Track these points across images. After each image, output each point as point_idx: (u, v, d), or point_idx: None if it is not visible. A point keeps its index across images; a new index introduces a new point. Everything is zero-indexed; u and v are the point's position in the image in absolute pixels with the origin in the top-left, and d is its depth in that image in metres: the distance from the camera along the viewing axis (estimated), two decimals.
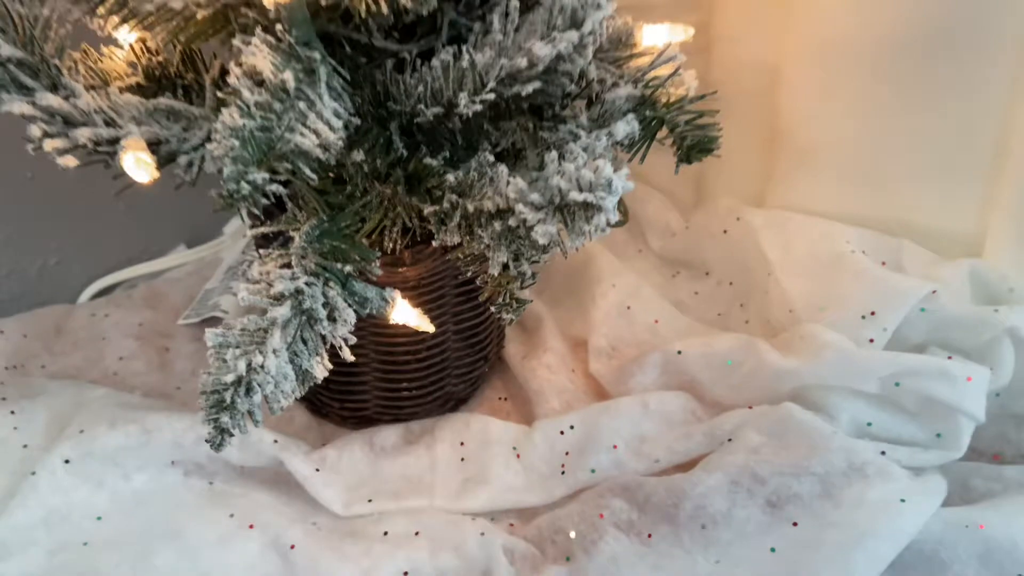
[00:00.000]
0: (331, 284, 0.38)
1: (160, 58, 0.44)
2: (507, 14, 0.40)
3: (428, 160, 0.41)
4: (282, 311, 0.35)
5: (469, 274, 0.44)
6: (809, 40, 0.58)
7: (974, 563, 0.43)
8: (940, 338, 0.51)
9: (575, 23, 0.38)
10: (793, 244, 0.58)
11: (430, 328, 0.43)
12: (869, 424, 0.49)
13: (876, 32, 0.55)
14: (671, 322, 0.61)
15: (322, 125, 0.36)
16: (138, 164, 0.35)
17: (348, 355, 0.38)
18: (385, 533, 0.46)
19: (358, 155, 0.41)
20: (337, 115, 0.37)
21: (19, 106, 0.35)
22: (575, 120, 0.41)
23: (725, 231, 0.64)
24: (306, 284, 0.37)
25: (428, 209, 0.42)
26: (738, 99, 0.63)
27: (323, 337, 0.38)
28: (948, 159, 0.56)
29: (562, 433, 0.51)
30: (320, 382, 0.39)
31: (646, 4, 0.54)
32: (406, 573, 0.44)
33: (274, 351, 0.35)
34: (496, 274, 0.41)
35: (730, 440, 0.48)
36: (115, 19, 0.40)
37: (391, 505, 0.48)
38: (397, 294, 0.41)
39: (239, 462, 0.49)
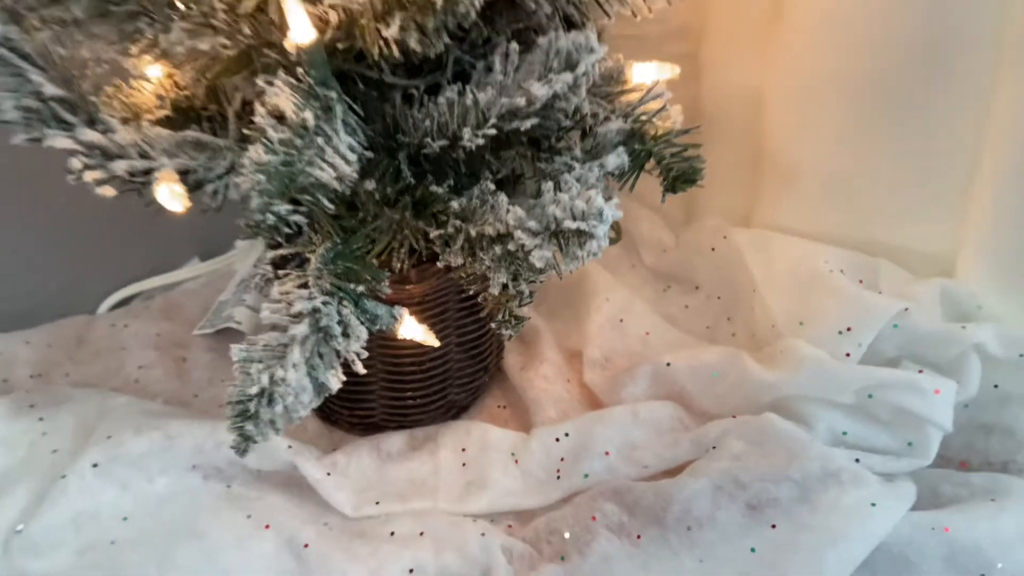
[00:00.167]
0: (345, 303, 0.41)
1: (186, 92, 0.47)
2: (507, 55, 0.43)
3: (434, 188, 0.45)
4: (301, 329, 0.38)
5: (471, 292, 0.47)
6: (791, 71, 0.61)
7: (939, 564, 0.45)
8: (912, 353, 0.54)
9: (570, 65, 0.41)
10: (776, 262, 0.61)
11: (435, 342, 0.46)
12: (844, 433, 0.52)
13: (854, 65, 0.57)
14: (662, 334, 0.64)
15: (338, 159, 0.39)
16: (172, 195, 0.38)
17: (360, 368, 0.41)
18: (392, 533, 0.49)
19: (370, 183, 0.44)
20: (352, 149, 0.40)
21: (61, 141, 0.38)
22: (569, 152, 0.45)
23: (713, 248, 0.66)
24: (322, 303, 0.40)
25: (434, 233, 0.45)
26: (725, 124, 0.66)
27: (337, 352, 0.40)
28: (922, 185, 0.59)
29: (557, 440, 0.54)
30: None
31: (638, 34, 0.57)
32: (411, 571, 0.47)
33: (294, 365, 0.38)
34: (496, 293, 0.44)
35: (714, 447, 0.51)
36: (148, 58, 0.44)
37: (397, 507, 0.51)
38: (405, 311, 0.44)
39: (256, 466, 0.52)
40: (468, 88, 0.42)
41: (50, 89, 0.38)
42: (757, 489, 0.47)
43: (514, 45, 0.43)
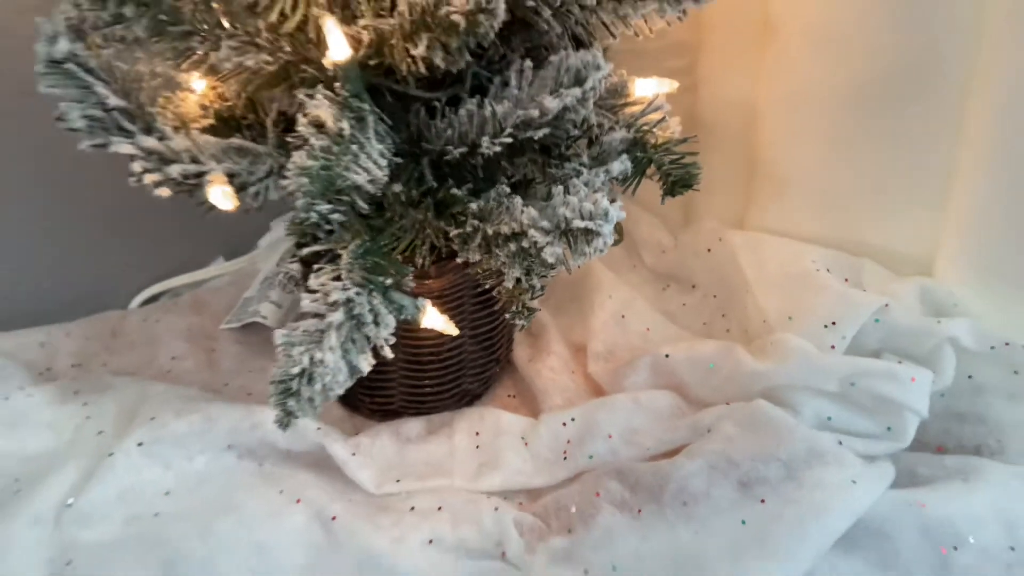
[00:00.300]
0: (374, 294, 0.45)
1: (228, 103, 0.51)
2: (522, 71, 0.47)
3: (454, 191, 0.49)
4: (337, 316, 0.42)
5: (487, 286, 0.51)
6: (782, 85, 0.65)
7: (915, 537, 0.49)
8: (892, 345, 0.57)
9: (579, 80, 0.45)
10: (767, 262, 0.65)
11: (454, 331, 0.50)
12: (829, 418, 0.55)
13: (839, 80, 0.61)
14: (661, 330, 0.68)
15: (371, 164, 0.43)
16: (223, 196, 0.42)
17: (388, 353, 0.45)
18: (412, 508, 0.53)
19: (396, 186, 0.48)
20: (382, 155, 0.44)
21: (124, 147, 0.42)
22: (578, 159, 0.49)
23: (709, 250, 0.70)
24: (355, 294, 0.44)
25: (454, 231, 0.49)
26: (721, 134, 0.70)
27: (368, 338, 0.44)
28: (904, 190, 0.62)
29: (564, 425, 0.57)
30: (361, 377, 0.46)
31: (638, 49, 0.61)
32: (431, 542, 0.51)
33: (331, 348, 0.42)
34: (511, 287, 0.48)
35: (709, 431, 0.55)
36: (196, 73, 0.48)
37: (416, 485, 0.55)
38: (427, 302, 0.48)
39: (286, 446, 0.56)
40: (486, 101, 0.46)
41: (113, 100, 0.42)
42: (748, 468, 0.51)
43: (528, 62, 0.47)
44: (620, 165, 0.47)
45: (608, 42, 0.51)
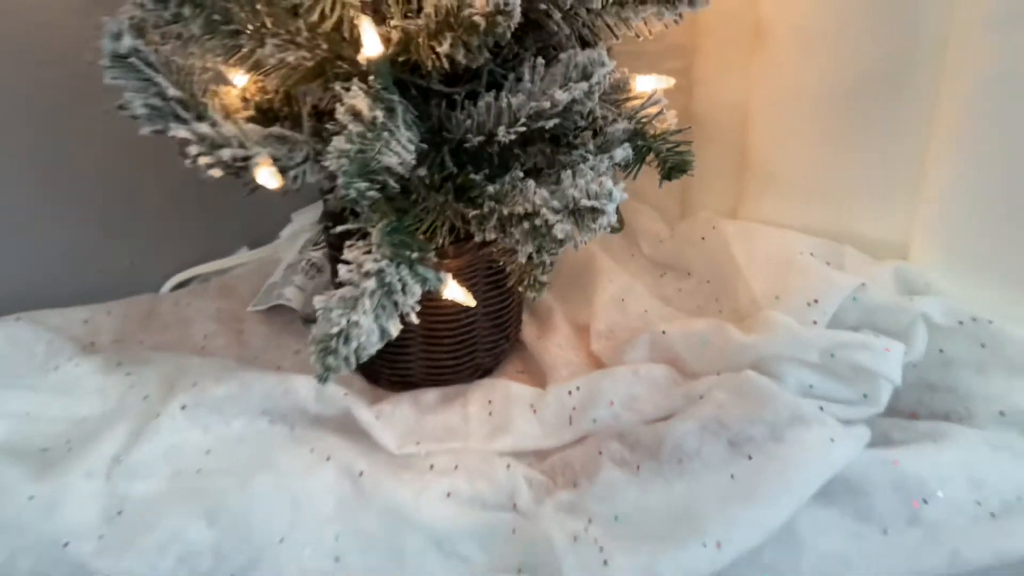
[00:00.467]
0: (401, 266, 0.50)
1: (268, 96, 0.56)
2: (535, 68, 0.52)
3: (472, 175, 0.53)
4: (370, 284, 0.47)
5: (501, 263, 0.56)
6: (771, 87, 0.70)
7: (888, 491, 0.53)
8: (869, 321, 0.62)
9: (585, 76, 0.50)
10: (757, 249, 0.69)
11: (472, 302, 0.54)
12: (811, 386, 0.59)
13: (823, 82, 0.66)
14: (658, 312, 0.72)
15: (400, 149, 0.48)
16: (271, 176, 0.47)
17: (414, 319, 0.49)
18: (431, 466, 0.57)
19: (421, 171, 0.53)
20: (410, 141, 0.49)
21: (181, 132, 0.47)
22: (584, 147, 0.53)
23: (703, 238, 0.74)
24: (386, 265, 0.48)
25: (472, 213, 0.53)
26: (714, 131, 0.75)
27: (396, 304, 0.49)
28: (881, 183, 0.67)
29: (570, 393, 0.62)
30: (387, 343, 0.51)
31: (637, 51, 0.65)
32: (449, 495, 0.55)
33: (364, 312, 0.46)
34: (524, 261, 0.53)
35: (702, 398, 0.59)
36: (240, 68, 0.53)
37: (435, 446, 0.59)
38: (448, 275, 0.53)
39: (316, 412, 0.60)
40: (503, 93, 0.51)
41: (171, 91, 0.47)
42: (737, 429, 0.55)
43: (540, 60, 0.52)
44: (622, 152, 0.52)
45: (611, 42, 0.56)
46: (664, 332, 0.66)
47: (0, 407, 0.59)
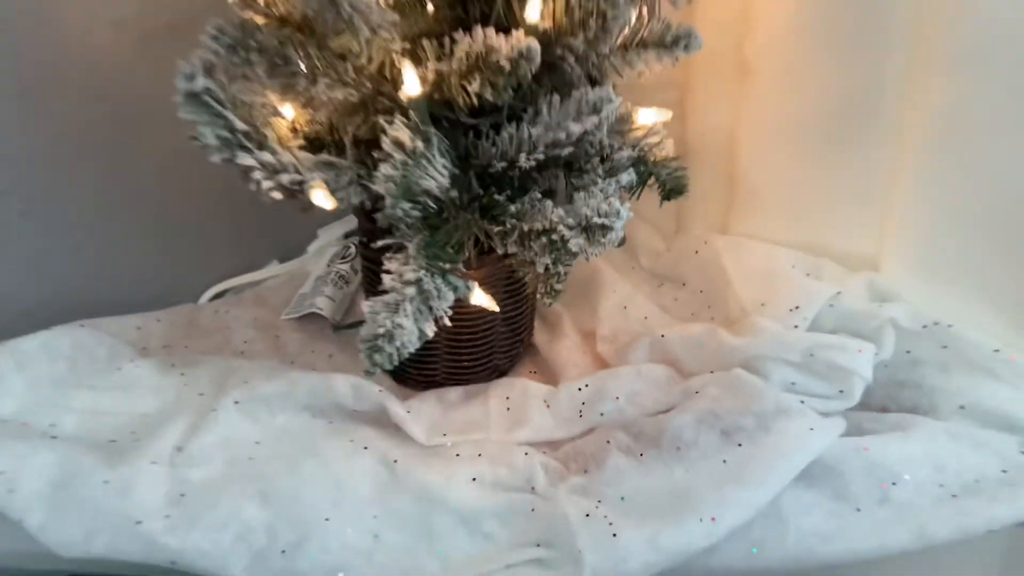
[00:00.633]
0: (435, 276, 0.57)
1: (316, 127, 0.62)
2: (551, 103, 0.58)
3: (496, 196, 0.59)
4: (411, 291, 0.53)
5: (520, 274, 0.62)
6: (756, 115, 0.76)
7: (861, 475, 0.58)
8: (843, 325, 0.67)
9: (596, 111, 0.56)
10: (744, 262, 0.75)
11: (495, 308, 0.61)
12: (793, 383, 0.64)
13: (802, 112, 0.72)
14: (657, 318, 0.78)
15: (437, 174, 0.54)
16: (325, 198, 0.53)
17: (447, 322, 0.56)
18: (457, 455, 0.63)
19: (452, 193, 0.59)
20: (444, 167, 0.55)
21: (247, 160, 0.53)
22: (594, 171, 0.60)
23: (697, 252, 0.80)
24: (423, 275, 0.55)
25: (495, 229, 0.59)
26: (706, 155, 0.81)
27: (431, 308, 0.55)
28: (854, 203, 0.73)
29: (580, 390, 0.67)
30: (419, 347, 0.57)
31: (634, 84, 0.71)
32: (474, 479, 0.60)
33: (406, 315, 0.53)
34: (541, 272, 0.59)
35: (697, 393, 0.65)
36: (295, 103, 0.59)
37: (460, 438, 0.64)
38: (476, 284, 0.59)
39: (353, 407, 0.66)
40: (523, 126, 0.58)
41: (238, 124, 0.54)
42: (729, 421, 0.61)
43: (555, 96, 0.58)
44: (627, 176, 0.59)
45: (616, 79, 0.63)
46: (663, 336, 0.72)
47: (70, 404, 0.65)
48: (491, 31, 0.53)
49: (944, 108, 0.65)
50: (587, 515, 0.56)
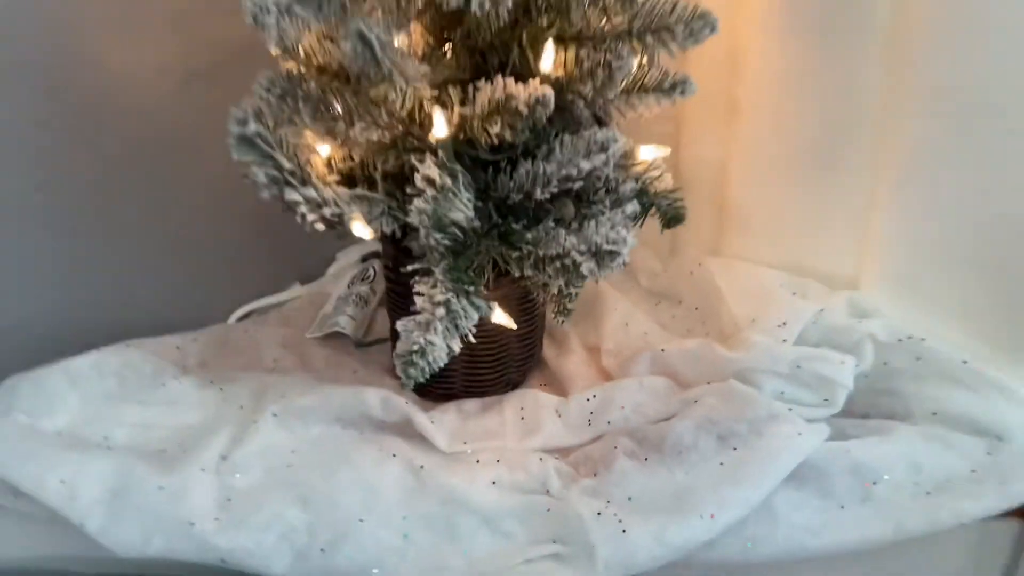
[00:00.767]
0: (460, 297, 0.62)
1: (350, 164, 0.68)
2: (563, 142, 0.64)
3: (514, 225, 0.65)
4: (440, 311, 0.59)
5: (535, 295, 0.68)
6: (745, 147, 0.81)
7: (845, 474, 0.62)
8: (827, 339, 0.72)
9: (603, 149, 0.62)
10: (736, 282, 0.80)
11: (514, 326, 0.66)
12: (782, 392, 0.68)
13: (787, 144, 0.77)
14: (656, 334, 0.84)
15: (463, 206, 0.60)
16: (363, 228, 0.59)
17: (472, 339, 0.61)
18: (477, 461, 0.67)
19: (475, 222, 0.65)
20: (470, 200, 0.61)
21: (295, 195, 0.59)
22: (602, 203, 0.65)
23: (692, 273, 0.84)
24: (452, 296, 0.60)
25: (513, 254, 0.65)
26: (698, 185, 0.85)
27: (457, 326, 0.61)
28: (835, 227, 0.78)
29: (588, 400, 0.72)
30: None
31: (636, 117, 0.78)
32: (494, 482, 0.65)
33: (436, 333, 0.58)
34: (555, 293, 0.65)
35: (695, 402, 0.70)
36: (333, 143, 0.65)
37: (479, 445, 0.69)
38: (496, 304, 0.64)
39: (380, 418, 0.71)
40: (538, 162, 0.63)
41: (285, 163, 0.59)
42: (725, 426, 0.66)
43: (567, 135, 0.64)
44: (632, 207, 0.64)
45: (620, 120, 0.69)
46: (663, 350, 0.78)
47: (121, 418, 0.70)
48: (510, 80, 0.58)
49: (916, 142, 0.71)
50: (598, 514, 0.61)
